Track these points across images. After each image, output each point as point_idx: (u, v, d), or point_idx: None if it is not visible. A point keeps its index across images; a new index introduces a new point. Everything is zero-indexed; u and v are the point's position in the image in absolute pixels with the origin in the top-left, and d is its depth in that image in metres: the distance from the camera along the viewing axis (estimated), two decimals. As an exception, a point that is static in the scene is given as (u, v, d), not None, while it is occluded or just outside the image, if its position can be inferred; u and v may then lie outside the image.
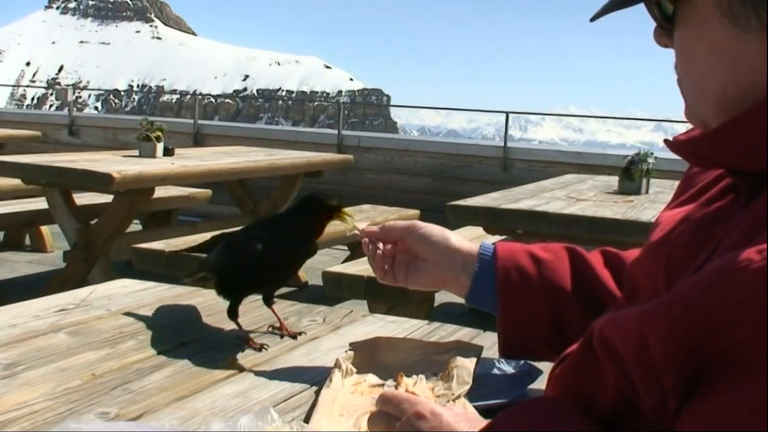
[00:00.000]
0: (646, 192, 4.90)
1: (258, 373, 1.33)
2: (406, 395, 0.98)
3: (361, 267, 4.11)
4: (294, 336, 1.53)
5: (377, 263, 1.32)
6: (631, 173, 4.88)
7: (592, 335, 0.83)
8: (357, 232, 1.35)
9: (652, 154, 5.02)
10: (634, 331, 0.74)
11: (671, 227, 0.93)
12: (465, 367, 1.24)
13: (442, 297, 4.67)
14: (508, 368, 1.32)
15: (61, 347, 1.41)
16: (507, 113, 9.44)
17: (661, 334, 0.71)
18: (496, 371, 1.31)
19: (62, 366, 1.33)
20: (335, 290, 3.98)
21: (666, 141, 0.92)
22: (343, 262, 5.17)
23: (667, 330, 0.70)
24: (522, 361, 1.33)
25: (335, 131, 9.46)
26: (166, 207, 6.37)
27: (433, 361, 1.30)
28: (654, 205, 4.39)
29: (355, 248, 5.85)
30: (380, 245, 1.32)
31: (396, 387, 1.14)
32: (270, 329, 1.55)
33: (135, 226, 6.10)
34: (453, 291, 1.29)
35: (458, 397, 1.15)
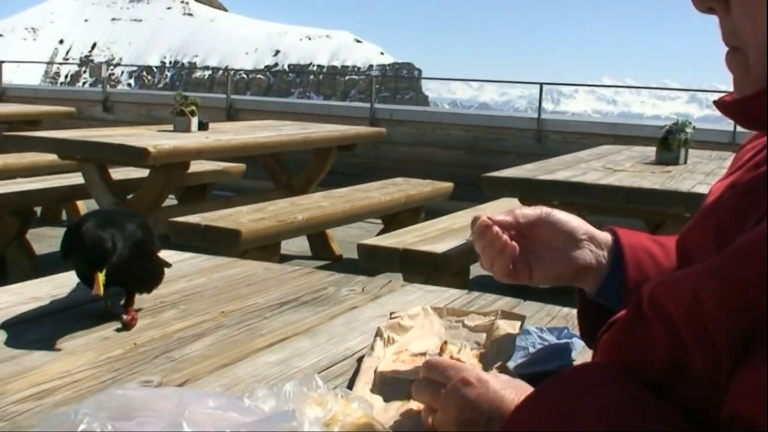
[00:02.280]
0: (684, 162, 4.83)
1: (299, 342, 1.33)
2: (451, 362, 0.98)
3: (396, 239, 4.11)
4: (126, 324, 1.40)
5: (505, 259, 1.11)
6: (669, 143, 4.82)
7: (641, 299, 0.81)
8: (486, 218, 1.11)
9: (690, 123, 4.96)
10: (686, 292, 0.73)
11: (720, 193, 0.92)
12: (507, 335, 1.23)
13: (476, 269, 4.66)
14: (551, 338, 1.31)
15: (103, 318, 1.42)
16: (541, 84, 9.36)
17: (713, 293, 0.69)
18: (539, 340, 1.30)
19: (104, 335, 1.33)
20: (370, 262, 3.99)
21: (715, 102, 0.90)
22: (377, 234, 5.17)
23: (720, 289, 0.69)
24: (565, 330, 1.32)
25: (368, 105, 9.43)
26: (201, 181, 6.39)
27: (474, 329, 1.28)
28: (692, 175, 4.34)
29: (389, 221, 5.84)
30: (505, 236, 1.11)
31: (440, 355, 1.13)
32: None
33: (170, 200, 6.13)
34: (585, 283, 1.13)
35: (501, 364, 1.14)
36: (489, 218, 1.12)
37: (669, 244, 1.12)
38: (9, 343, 1.28)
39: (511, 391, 0.90)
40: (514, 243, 1.11)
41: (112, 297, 1.46)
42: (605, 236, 1.13)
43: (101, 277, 1.32)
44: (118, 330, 1.36)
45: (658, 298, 0.77)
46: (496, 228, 1.11)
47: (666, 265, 1.09)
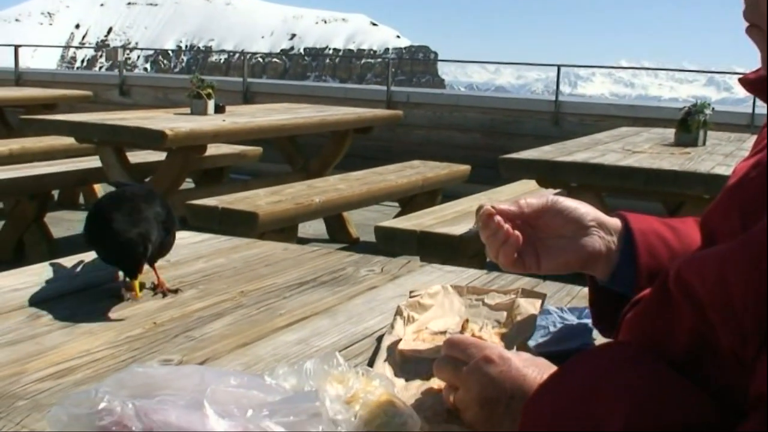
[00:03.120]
0: (703, 144, 4.80)
1: (318, 322, 1.33)
2: (473, 340, 0.97)
3: (414, 222, 4.10)
4: (165, 293, 1.44)
5: (509, 248, 1.10)
6: (688, 125, 4.79)
7: (668, 277, 0.81)
8: (490, 207, 1.10)
9: (708, 105, 4.92)
10: (713, 272, 0.72)
11: (744, 173, 0.91)
12: (528, 313, 1.22)
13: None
14: (571, 317, 1.30)
15: (123, 297, 1.41)
16: (558, 66, 9.32)
17: (741, 274, 0.69)
18: (559, 320, 1.29)
19: (123, 315, 1.33)
20: (387, 245, 3.98)
21: (739, 79, 0.90)
22: (394, 217, 5.16)
23: (748, 270, 0.68)
24: (585, 310, 1.31)
25: (384, 88, 9.41)
26: (218, 165, 6.39)
27: (495, 308, 1.28)
28: (712, 156, 4.31)
29: (406, 204, 5.83)
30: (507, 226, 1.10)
31: (461, 333, 1.12)
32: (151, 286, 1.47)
33: (187, 184, 6.13)
34: (596, 270, 1.11)
35: (522, 343, 1.14)
36: (493, 207, 1.10)
37: (680, 227, 1.11)
38: (28, 322, 1.29)
39: (534, 369, 0.89)
40: (517, 233, 1.09)
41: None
42: (614, 222, 1.11)
43: (137, 284, 1.36)
44: (164, 299, 1.37)
45: (684, 276, 0.76)
46: (498, 218, 1.10)
47: (678, 248, 1.07)
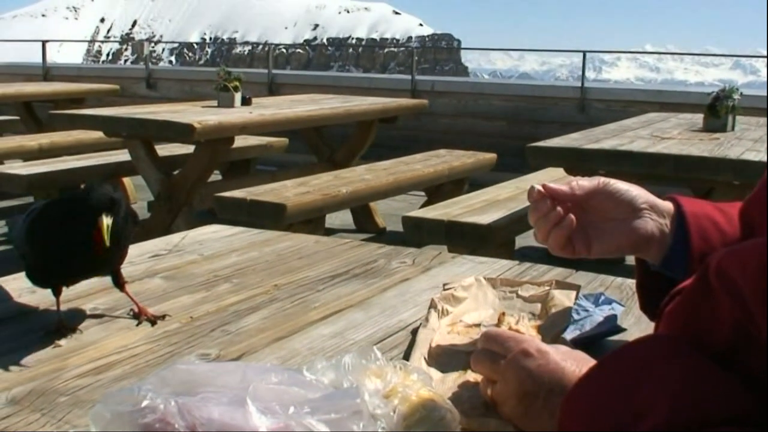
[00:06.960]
0: (732, 129, 4.76)
1: (352, 315, 1.33)
2: (510, 333, 0.97)
3: (441, 211, 4.10)
4: (153, 321, 1.28)
5: (561, 231, 1.08)
6: (717, 110, 4.75)
7: (708, 269, 0.80)
8: (539, 188, 1.09)
9: (737, 89, 4.87)
10: (755, 263, 0.72)
11: None
12: (563, 306, 1.22)
13: (521, 241, 4.64)
14: (587, 304, 1.29)
15: (158, 292, 1.43)
16: (584, 52, 9.25)
17: None
18: (575, 306, 1.28)
19: (160, 310, 1.34)
20: (415, 235, 3.98)
21: None
22: (421, 207, 5.16)
23: None
24: (601, 297, 1.30)
25: (408, 77, 9.39)
26: (245, 156, 6.41)
27: (529, 300, 1.27)
28: (741, 142, 4.27)
29: (432, 193, 5.83)
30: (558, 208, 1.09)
31: (497, 326, 1.12)
32: (130, 313, 1.32)
33: (214, 176, 6.16)
34: (648, 254, 1.10)
35: (557, 336, 1.13)
36: (544, 187, 1.09)
37: (730, 210, 1.10)
38: (65, 318, 1.30)
39: (572, 362, 0.89)
40: (571, 216, 1.08)
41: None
42: (667, 205, 1.10)
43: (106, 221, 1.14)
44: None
45: (725, 268, 0.75)
46: (546, 199, 1.09)
47: (730, 232, 1.06)
